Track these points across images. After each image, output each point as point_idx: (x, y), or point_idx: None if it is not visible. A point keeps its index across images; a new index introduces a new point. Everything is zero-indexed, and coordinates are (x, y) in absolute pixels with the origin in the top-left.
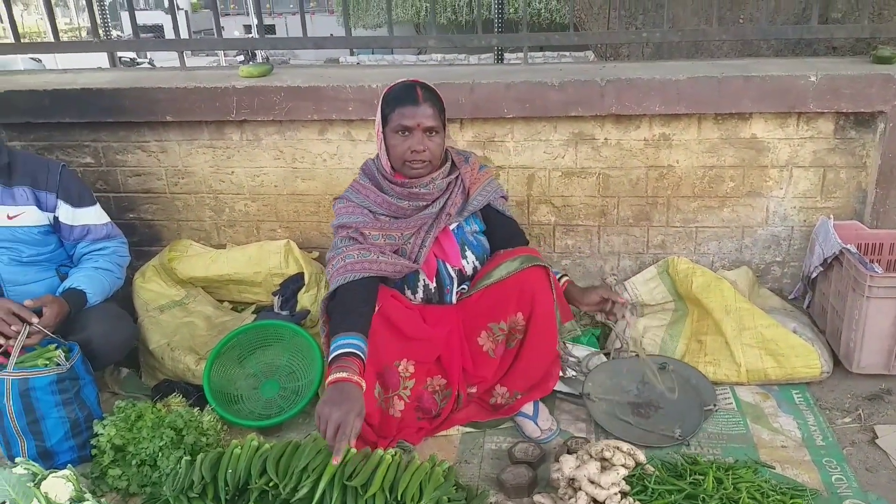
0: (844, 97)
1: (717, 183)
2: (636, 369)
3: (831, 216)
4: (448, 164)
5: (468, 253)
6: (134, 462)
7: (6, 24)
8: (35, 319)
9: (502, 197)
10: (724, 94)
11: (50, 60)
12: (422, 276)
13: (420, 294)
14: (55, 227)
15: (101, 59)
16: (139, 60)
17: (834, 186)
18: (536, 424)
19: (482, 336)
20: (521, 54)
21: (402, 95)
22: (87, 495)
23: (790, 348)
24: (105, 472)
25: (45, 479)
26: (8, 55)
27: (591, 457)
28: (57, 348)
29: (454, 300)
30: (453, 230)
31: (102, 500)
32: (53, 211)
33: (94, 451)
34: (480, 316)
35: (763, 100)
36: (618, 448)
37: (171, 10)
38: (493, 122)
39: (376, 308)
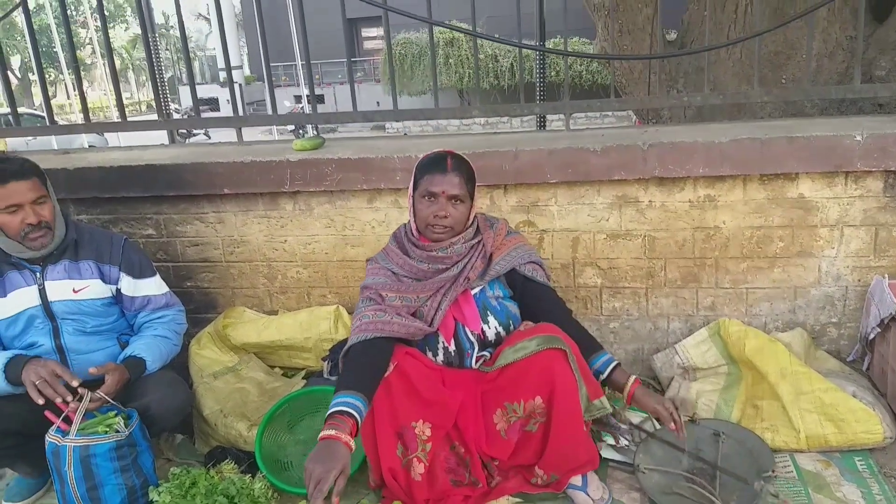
0: (892, 155)
1: (766, 243)
2: (689, 436)
3: (886, 275)
4: (472, 230)
5: (490, 318)
6: None
7: (70, 100)
8: (76, 382)
9: (532, 262)
10: (769, 155)
11: (112, 135)
12: (441, 339)
13: (441, 357)
14: (117, 298)
15: (161, 132)
16: (195, 132)
17: (887, 244)
18: (588, 495)
19: (497, 414)
20: (563, 115)
21: (433, 164)
22: None
23: (850, 413)
24: None
25: None
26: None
27: None
28: (117, 415)
29: (473, 364)
30: (475, 294)
31: None
32: (116, 283)
33: None
34: (497, 392)
35: (809, 160)
36: None
37: (230, 88)
38: (536, 187)
39: (392, 367)
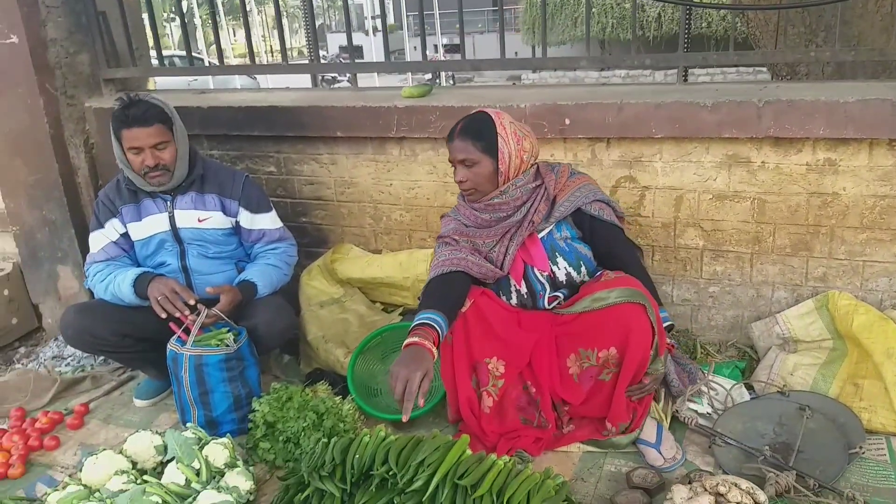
0: None
1: (891, 214)
2: (773, 410)
3: None
4: (530, 175)
5: (558, 259)
6: (281, 438)
7: (231, 44)
8: (193, 300)
9: (598, 201)
10: None
11: (263, 78)
12: (512, 282)
13: (514, 299)
14: (236, 229)
15: (307, 78)
16: (339, 79)
17: None
18: (659, 452)
19: (570, 358)
20: (711, 70)
21: (450, 133)
22: (240, 462)
23: None
24: (257, 445)
25: (207, 443)
26: (229, 76)
27: (706, 490)
28: (228, 332)
29: (547, 305)
30: (542, 237)
31: (251, 468)
32: (235, 216)
33: (250, 426)
34: (572, 337)
35: None
36: (735, 485)
37: (384, 31)
38: (640, 141)
39: (468, 303)
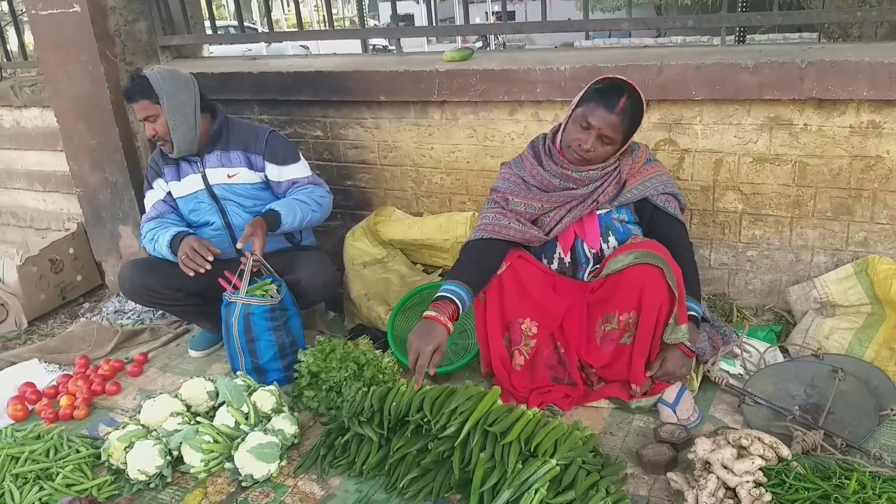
0: None
1: None
2: (806, 372)
3: None
4: (614, 158)
5: (611, 237)
6: (324, 387)
7: (285, 14)
8: (210, 256)
9: (667, 194)
10: None
11: (315, 46)
12: (558, 249)
13: (555, 265)
14: (267, 183)
15: (357, 45)
16: (390, 47)
17: None
18: (674, 412)
19: (598, 323)
20: (772, 35)
21: (605, 96)
22: (285, 409)
23: None
24: (302, 393)
25: (255, 390)
26: (282, 42)
27: (729, 443)
28: (272, 283)
29: (585, 277)
30: (600, 215)
31: (296, 414)
32: (263, 171)
33: (295, 375)
34: (599, 303)
35: None
36: (759, 438)
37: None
38: (680, 104)
39: (505, 266)
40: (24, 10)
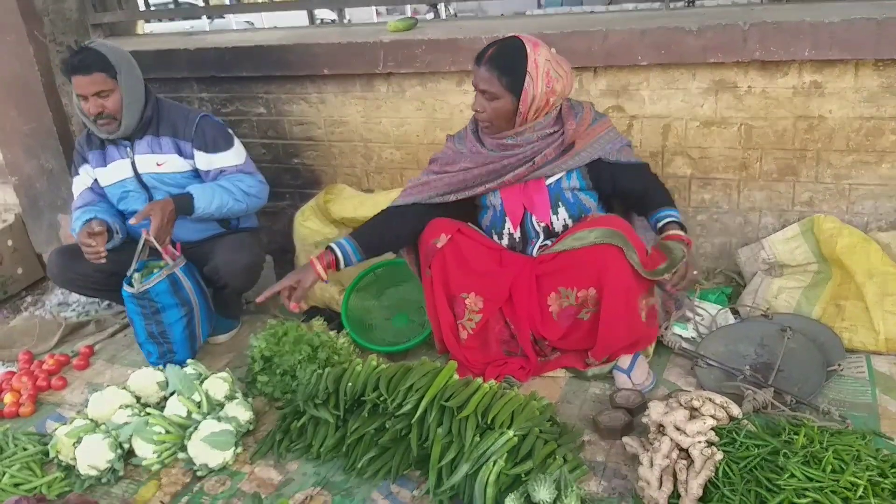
0: None
1: (876, 136)
2: (755, 332)
3: None
4: (551, 118)
5: (560, 209)
6: (278, 371)
7: None
8: (101, 246)
9: (625, 146)
10: (886, 38)
11: (260, 21)
12: (507, 224)
13: (505, 241)
14: (196, 171)
15: (304, 18)
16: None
17: None
18: (629, 377)
19: (551, 297)
20: None
21: (477, 56)
22: (239, 395)
23: None
24: (255, 379)
25: (207, 378)
26: (225, 17)
27: (681, 405)
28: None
29: (535, 253)
30: (549, 185)
31: (250, 400)
32: (191, 157)
33: (248, 361)
34: (552, 276)
35: None
36: (710, 399)
37: None
38: (627, 70)
39: (445, 239)
40: None
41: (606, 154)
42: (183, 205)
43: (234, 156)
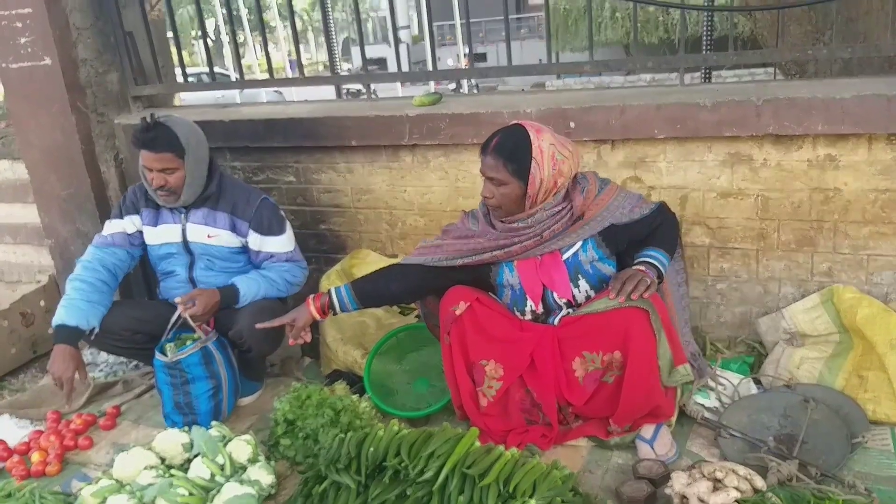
0: None
1: (892, 208)
2: (778, 402)
3: None
4: (560, 197)
5: (581, 281)
6: (300, 435)
7: (257, 59)
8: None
9: (637, 203)
10: None
11: (288, 92)
12: (529, 302)
13: (528, 317)
14: (245, 248)
15: (331, 90)
16: (364, 92)
17: None
18: (652, 448)
19: (576, 361)
20: (739, 71)
21: (484, 143)
22: (261, 458)
23: None
24: (278, 442)
25: (231, 440)
26: (255, 90)
27: (704, 476)
28: (190, 339)
29: (556, 322)
30: (566, 259)
31: (273, 464)
32: (245, 237)
33: (271, 424)
34: (576, 340)
35: None
36: (733, 471)
37: (395, 44)
38: (644, 142)
39: (464, 306)
40: None
41: (618, 219)
42: (228, 299)
43: (286, 242)
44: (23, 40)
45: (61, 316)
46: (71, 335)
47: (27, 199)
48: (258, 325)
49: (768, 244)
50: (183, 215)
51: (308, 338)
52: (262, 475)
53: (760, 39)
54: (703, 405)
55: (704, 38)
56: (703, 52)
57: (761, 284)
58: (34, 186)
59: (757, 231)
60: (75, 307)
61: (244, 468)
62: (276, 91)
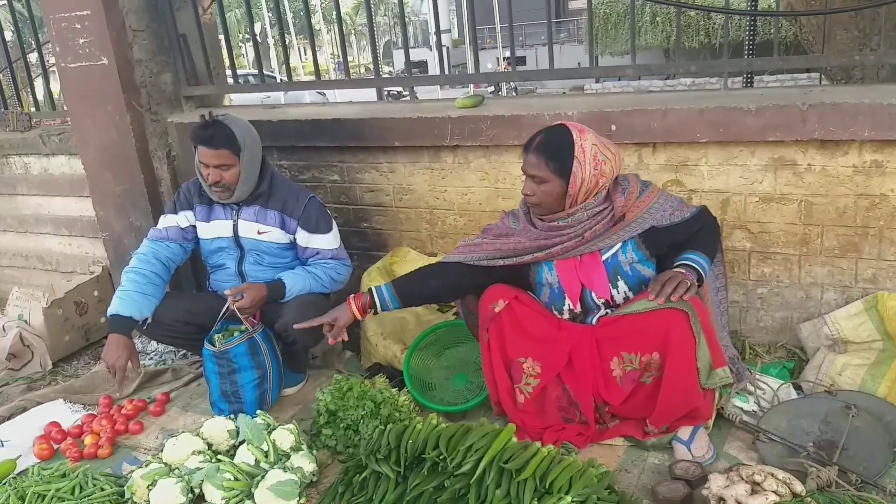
0: None
1: None
2: (819, 408)
3: None
4: (601, 197)
5: (619, 282)
6: (342, 425)
7: (302, 62)
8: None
9: (678, 207)
10: None
11: (331, 93)
12: (567, 302)
13: (566, 317)
14: (293, 245)
15: (372, 92)
16: (404, 93)
17: None
18: (688, 449)
19: (614, 361)
20: (781, 76)
21: (528, 141)
22: (304, 447)
23: None
24: (320, 431)
25: (275, 428)
26: (299, 91)
27: (742, 479)
28: (236, 331)
29: (594, 322)
30: (605, 260)
31: (314, 452)
32: (293, 233)
33: (314, 414)
34: (614, 340)
35: None
36: (772, 474)
37: (438, 47)
38: (686, 146)
39: (503, 304)
40: (52, 61)
41: (659, 221)
42: (274, 293)
43: (332, 240)
44: (81, 41)
45: (116, 306)
46: (125, 325)
47: (83, 193)
48: (296, 326)
49: (811, 249)
50: (234, 212)
51: (346, 337)
52: (305, 463)
53: (805, 44)
54: (741, 409)
55: (747, 42)
56: (746, 56)
57: (803, 290)
58: (90, 182)
59: (800, 236)
60: (130, 298)
61: (287, 456)
62: (318, 92)
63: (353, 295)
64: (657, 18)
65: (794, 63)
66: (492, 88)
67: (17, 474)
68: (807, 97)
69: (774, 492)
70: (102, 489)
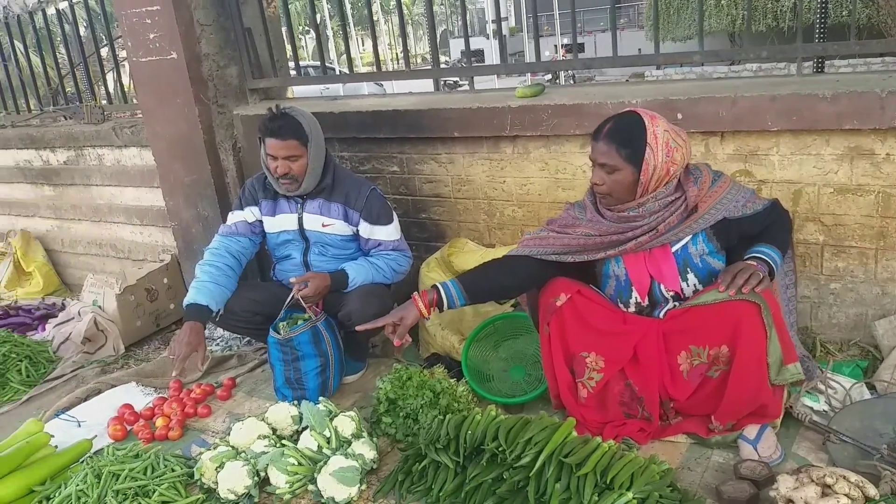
0: None
1: None
2: (894, 409)
3: None
4: (672, 186)
5: (689, 275)
6: (401, 414)
7: (361, 53)
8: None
9: (750, 198)
10: None
11: (388, 84)
12: (634, 294)
13: (632, 309)
14: (356, 236)
15: (430, 83)
16: (461, 83)
17: None
18: (755, 449)
19: (682, 355)
20: (853, 61)
21: (596, 129)
22: (364, 434)
23: None
24: (380, 419)
25: (337, 415)
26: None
27: (812, 481)
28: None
29: (661, 316)
30: (675, 251)
31: (375, 440)
32: (356, 225)
33: (374, 402)
34: (682, 334)
35: None
36: (844, 477)
37: (500, 35)
38: (756, 135)
39: (565, 298)
40: (123, 55)
41: (731, 213)
42: (338, 283)
43: (393, 231)
44: (151, 35)
45: (192, 296)
46: (200, 313)
47: (153, 183)
48: (360, 327)
49: (889, 243)
50: (299, 205)
51: (410, 340)
52: (366, 450)
53: (883, 28)
54: (811, 408)
55: (817, 25)
56: (816, 40)
57: (879, 286)
58: (160, 173)
59: (877, 229)
60: (206, 289)
61: (349, 442)
62: (377, 84)
63: (417, 292)
64: (722, 2)
65: (872, 47)
66: (549, 77)
67: (94, 453)
68: (886, 83)
69: (846, 495)
70: (173, 470)
